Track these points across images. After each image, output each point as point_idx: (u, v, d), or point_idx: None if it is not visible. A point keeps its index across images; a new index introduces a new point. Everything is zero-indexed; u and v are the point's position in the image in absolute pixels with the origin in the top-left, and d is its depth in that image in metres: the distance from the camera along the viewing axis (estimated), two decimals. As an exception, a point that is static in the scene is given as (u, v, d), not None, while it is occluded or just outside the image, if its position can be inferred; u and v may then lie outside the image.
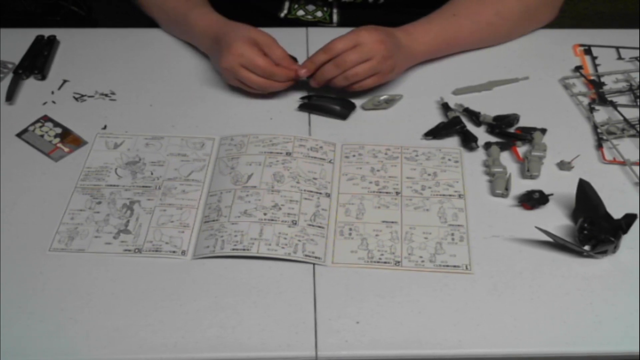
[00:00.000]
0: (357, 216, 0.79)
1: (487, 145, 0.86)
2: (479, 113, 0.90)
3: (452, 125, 0.88)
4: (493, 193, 0.81)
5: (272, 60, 0.89)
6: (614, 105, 0.93)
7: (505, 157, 0.86)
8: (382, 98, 0.92)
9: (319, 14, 1.07)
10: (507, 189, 0.80)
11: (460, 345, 0.67)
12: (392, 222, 0.78)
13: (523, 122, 0.90)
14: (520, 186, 0.81)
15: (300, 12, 1.07)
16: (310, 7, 1.07)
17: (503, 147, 0.86)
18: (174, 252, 0.75)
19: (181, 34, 1.03)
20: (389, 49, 0.89)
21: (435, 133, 0.88)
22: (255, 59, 0.88)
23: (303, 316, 0.69)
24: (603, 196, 0.76)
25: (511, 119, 0.89)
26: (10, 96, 0.93)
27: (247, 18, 0.93)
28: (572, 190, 0.78)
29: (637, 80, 0.97)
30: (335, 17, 1.08)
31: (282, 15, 1.08)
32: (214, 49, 0.94)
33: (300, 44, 1.01)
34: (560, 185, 0.81)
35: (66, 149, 0.87)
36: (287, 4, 1.07)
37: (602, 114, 0.92)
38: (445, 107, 0.91)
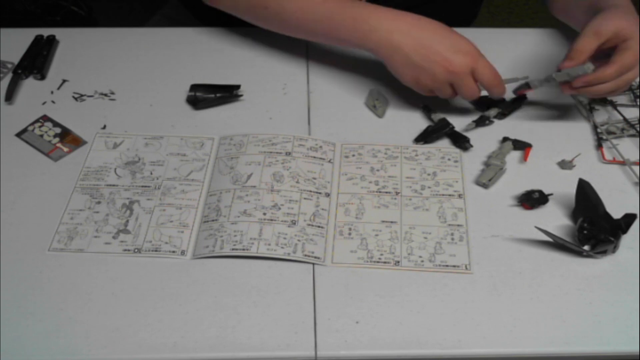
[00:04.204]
0: (357, 216, 0.79)
1: (504, 139, 0.86)
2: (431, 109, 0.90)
3: (441, 128, 0.87)
4: (476, 181, 0.81)
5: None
6: (614, 105, 0.93)
7: (514, 156, 0.85)
8: (376, 101, 0.91)
9: None
10: (490, 180, 0.80)
11: (460, 345, 0.67)
12: (392, 222, 0.78)
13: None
14: (520, 186, 0.81)
15: None
16: None
17: (517, 145, 0.86)
18: (173, 252, 0.75)
19: (331, 33, 0.89)
20: None
21: (425, 137, 0.87)
22: (488, 65, 0.84)
23: (302, 316, 0.69)
24: (603, 196, 0.76)
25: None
26: (10, 96, 0.93)
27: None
28: (571, 190, 0.78)
29: (637, 80, 0.96)
30: None
31: None
32: (419, 52, 0.84)
33: (300, 43, 1.00)
34: (560, 185, 0.81)
35: (65, 149, 0.87)
36: None
37: (601, 114, 0.92)
38: (426, 109, 0.91)
